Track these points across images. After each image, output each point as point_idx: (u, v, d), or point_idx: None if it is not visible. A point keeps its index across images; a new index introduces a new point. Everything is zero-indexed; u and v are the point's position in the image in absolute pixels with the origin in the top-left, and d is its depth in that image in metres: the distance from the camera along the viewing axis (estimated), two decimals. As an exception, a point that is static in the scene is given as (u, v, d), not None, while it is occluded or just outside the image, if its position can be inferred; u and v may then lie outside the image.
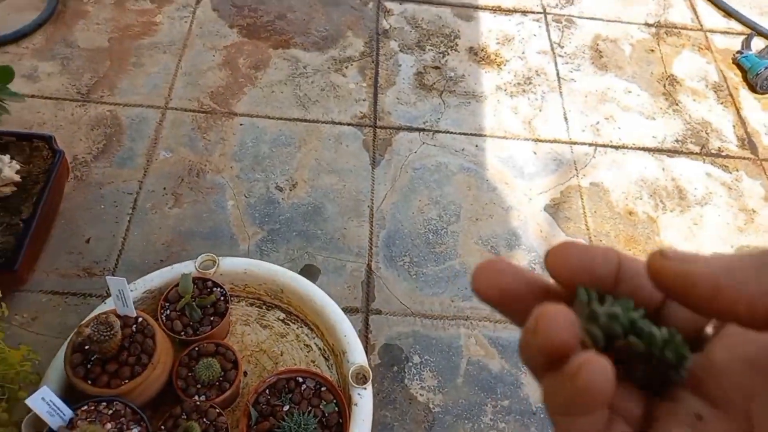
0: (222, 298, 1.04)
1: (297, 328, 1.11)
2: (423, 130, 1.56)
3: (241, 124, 1.48)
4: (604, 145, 1.59)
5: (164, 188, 1.32)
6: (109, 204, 1.27)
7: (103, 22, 1.71)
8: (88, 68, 1.57)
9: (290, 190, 1.36)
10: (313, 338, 1.11)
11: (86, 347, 0.89)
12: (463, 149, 1.52)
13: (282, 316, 1.12)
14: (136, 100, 1.50)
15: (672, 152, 1.61)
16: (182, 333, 0.99)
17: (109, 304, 1.01)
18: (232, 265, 1.11)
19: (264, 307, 1.13)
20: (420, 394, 1.10)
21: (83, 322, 0.92)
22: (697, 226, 1.46)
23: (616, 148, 1.59)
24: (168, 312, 1.01)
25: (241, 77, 1.61)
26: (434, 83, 1.68)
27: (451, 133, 1.56)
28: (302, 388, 0.98)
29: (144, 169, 1.35)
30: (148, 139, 1.40)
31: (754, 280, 0.18)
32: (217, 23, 1.74)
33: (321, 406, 0.96)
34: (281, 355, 1.08)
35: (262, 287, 1.13)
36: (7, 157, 1.15)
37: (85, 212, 1.25)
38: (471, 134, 1.56)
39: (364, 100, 1.61)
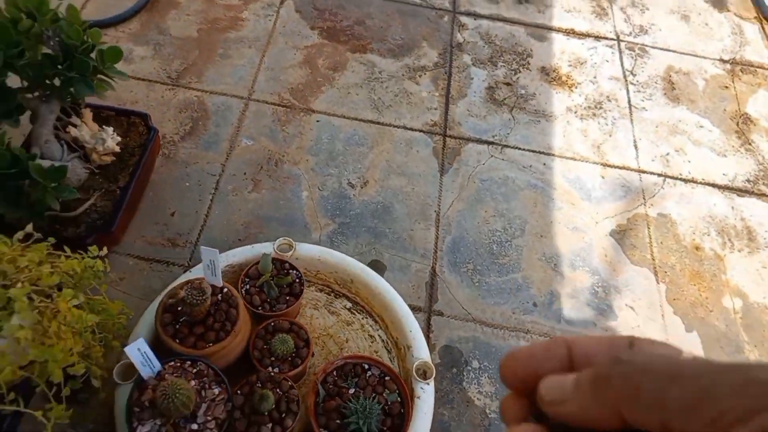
0: (297, 280, 1.11)
1: (362, 318, 1.17)
2: (492, 143, 1.61)
3: (317, 121, 1.57)
4: (673, 177, 1.61)
5: (244, 173, 1.41)
6: (194, 182, 1.37)
7: (194, 13, 1.84)
8: (178, 55, 1.69)
9: (361, 188, 1.44)
10: (377, 330, 1.16)
11: (178, 308, 0.98)
12: (530, 166, 1.57)
13: (349, 305, 1.19)
14: (222, 89, 1.61)
15: (743, 192, 1.62)
16: (260, 308, 1.07)
17: (194, 273, 1.09)
18: (307, 250, 1.18)
19: (332, 294, 1.20)
20: (477, 398, 1.14)
21: (176, 284, 1.00)
22: (766, 270, 1.46)
23: (686, 181, 1.61)
24: (248, 287, 1.09)
25: (320, 77, 1.70)
26: (505, 99, 1.74)
27: (520, 149, 1.61)
28: (368, 375, 1.03)
29: (227, 153, 1.44)
30: (232, 126, 1.50)
31: (597, 408, 0.22)
32: (299, 24, 1.85)
33: (384, 394, 1.01)
34: (346, 342, 1.14)
35: (332, 275, 1.19)
36: (110, 129, 1.26)
37: (172, 187, 1.35)
38: (539, 152, 1.61)
39: (435, 109, 1.68)
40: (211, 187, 1.37)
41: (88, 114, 1.29)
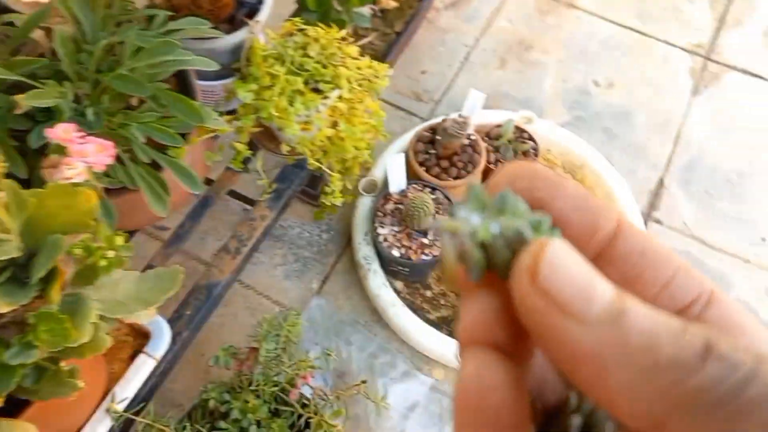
0: (532, 151, 1.24)
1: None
2: (763, 79, 1.52)
3: (577, 17, 1.61)
4: None
5: (494, 50, 1.54)
6: (448, 49, 1.54)
7: None
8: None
9: (606, 88, 1.48)
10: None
11: (432, 141, 1.17)
12: (806, 111, 1.46)
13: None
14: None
15: None
16: (493, 165, 1.23)
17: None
18: (548, 128, 1.30)
19: (556, 176, 1.31)
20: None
21: (442, 119, 1.18)
22: None
23: None
24: (486, 144, 1.25)
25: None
26: (794, 34, 1.59)
27: (798, 91, 1.49)
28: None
29: (483, 29, 1.58)
30: (493, 7, 1.62)
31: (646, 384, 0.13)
32: None
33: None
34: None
35: (562, 158, 1.30)
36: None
37: (427, 49, 1.54)
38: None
39: (703, 31, 1.61)
40: (461, 57, 1.53)
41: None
